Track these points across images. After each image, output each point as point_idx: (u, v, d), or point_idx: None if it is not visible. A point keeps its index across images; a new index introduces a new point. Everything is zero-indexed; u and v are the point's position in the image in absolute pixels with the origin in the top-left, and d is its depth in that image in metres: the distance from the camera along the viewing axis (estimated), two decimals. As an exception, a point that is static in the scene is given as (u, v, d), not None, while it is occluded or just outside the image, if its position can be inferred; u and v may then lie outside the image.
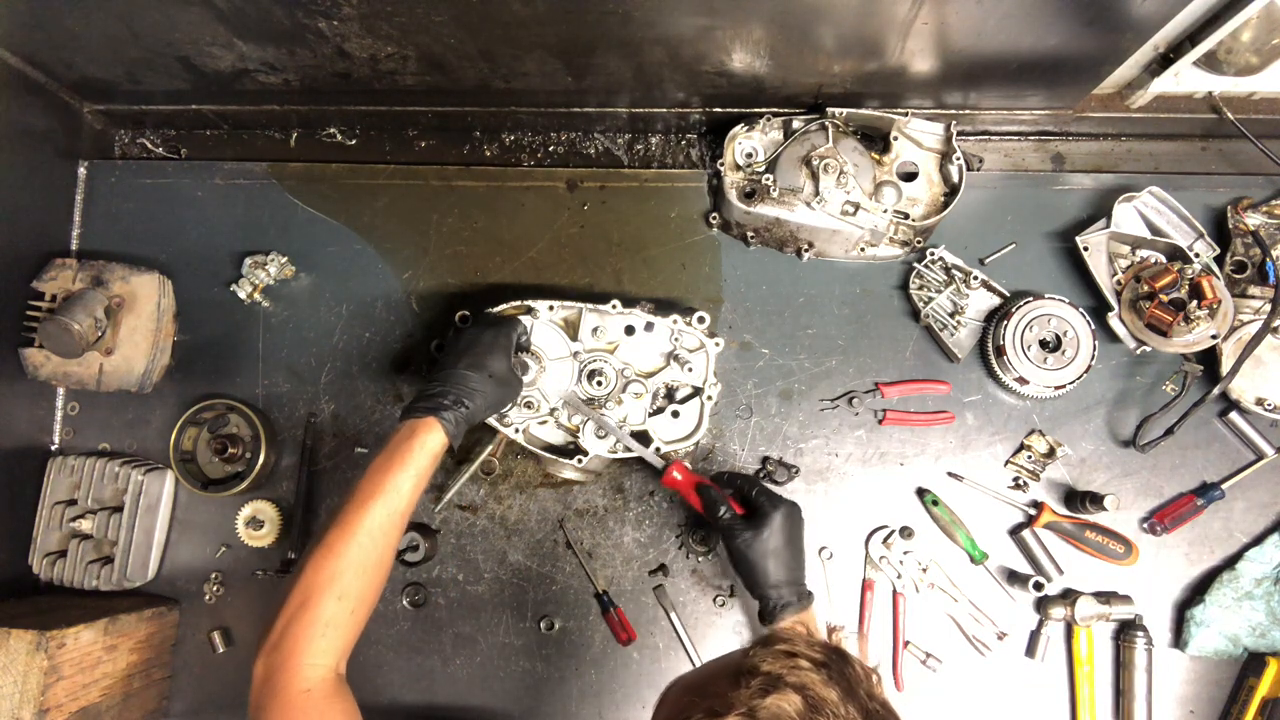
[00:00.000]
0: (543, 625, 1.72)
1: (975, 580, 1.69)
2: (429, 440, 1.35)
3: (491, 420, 1.58)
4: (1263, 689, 1.58)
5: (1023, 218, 1.77)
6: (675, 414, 1.60)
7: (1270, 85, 1.66)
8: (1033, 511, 1.67)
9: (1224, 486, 1.65)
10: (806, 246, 1.74)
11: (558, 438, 1.63)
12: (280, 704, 1.15)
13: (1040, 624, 1.65)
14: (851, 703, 0.91)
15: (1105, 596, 1.63)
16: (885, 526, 1.70)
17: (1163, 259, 1.67)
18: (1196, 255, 1.64)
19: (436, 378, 1.44)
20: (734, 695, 0.91)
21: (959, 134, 1.67)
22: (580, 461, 1.58)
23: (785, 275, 1.78)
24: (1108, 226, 1.68)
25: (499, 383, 1.47)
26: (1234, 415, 1.67)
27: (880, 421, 1.73)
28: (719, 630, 1.71)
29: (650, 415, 1.60)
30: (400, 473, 1.30)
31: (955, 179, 1.67)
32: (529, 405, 1.58)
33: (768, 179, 1.67)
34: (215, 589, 1.75)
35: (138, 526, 1.71)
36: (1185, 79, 1.65)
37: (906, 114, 1.69)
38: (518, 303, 1.61)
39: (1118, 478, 1.70)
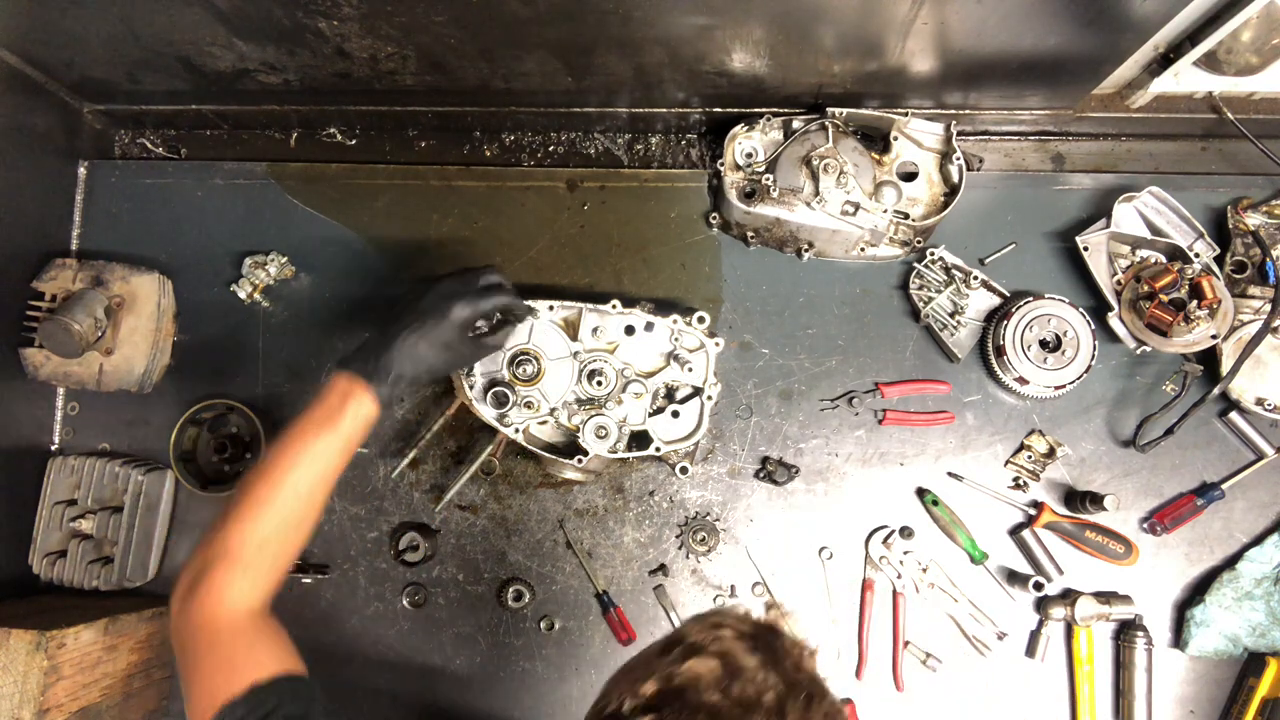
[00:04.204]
0: (543, 625, 1.72)
1: (975, 580, 1.69)
2: (363, 407, 1.30)
3: (491, 420, 1.58)
4: (1263, 689, 1.57)
5: (1023, 218, 1.77)
6: (675, 414, 1.60)
7: (1270, 85, 1.66)
8: (1033, 511, 1.67)
9: (1224, 486, 1.65)
10: (806, 246, 1.74)
11: (558, 438, 1.63)
12: (205, 631, 1.12)
13: (1040, 624, 1.65)
14: (773, 671, 0.92)
15: (1105, 596, 1.63)
16: (885, 526, 1.70)
17: (1163, 259, 1.67)
18: (1196, 255, 1.64)
19: (383, 335, 1.36)
20: (656, 663, 0.93)
21: (959, 134, 1.67)
22: (580, 461, 1.58)
23: (785, 275, 1.78)
24: (1108, 226, 1.67)
25: (449, 350, 1.39)
26: (1234, 415, 1.67)
27: (880, 421, 1.73)
28: (719, 630, 1.71)
29: (650, 415, 1.60)
30: (330, 436, 1.26)
31: (955, 179, 1.67)
32: (529, 405, 1.58)
33: (768, 179, 1.67)
34: (215, 589, 1.75)
35: (138, 526, 1.71)
36: (1185, 79, 1.65)
37: (906, 114, 1.69)
38: (518, 303, 1.61)
39: (1118, 478, 1.70)
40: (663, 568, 1.73)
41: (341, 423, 1.28)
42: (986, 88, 1.68)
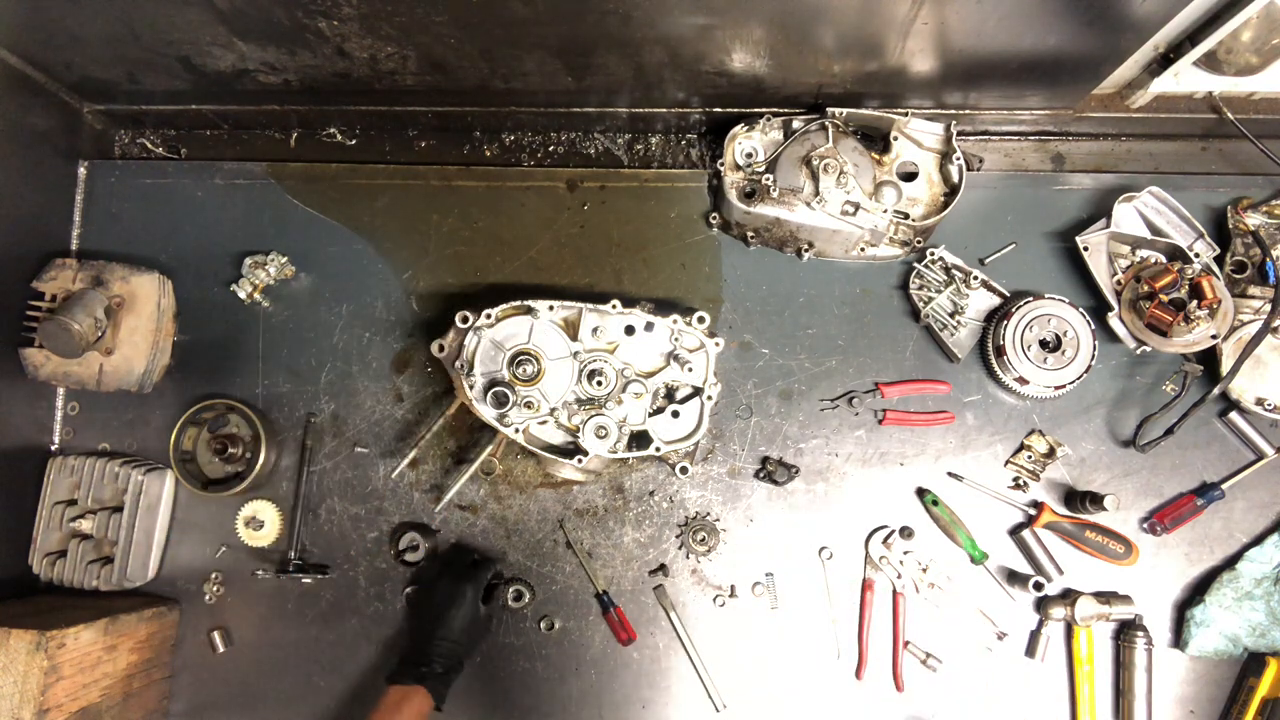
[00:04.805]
0: (543, 625, 1.72)
1: (975, 580, 1.69)
2: (413, 703, 1.44)
3: (491, 420, 1.58)
4: (1263, 689, 1.58)
5: (1023, 218, 1.77)
6: (675, 414, 1.60)
7: (1270, 85, 1.66)
8: (1033, 511, 1.67)
9: (1224, 486, 1.65)
10: (806, 246, 1.74)
11: (558, 438, 1.63)
12: None
13: (1040, 624, 1.65)
14: None
15: (1105, 596, 1.63)
16: (885, 526, 1.70)
17: (1163, 259, 1.67)
18: (1196, 255, 1.64)
19: (419, 645, 1.56)
20: None
21: (959, 134, 1.67)
22: (580, 461, 1.58)
23: (785, 275, 1.78)
24: (1108, 226, 1.68)
25: (472, 634, 1.61)
26: (1234, 415, 1.67)
27: (880, 421, 1.73)
28: (719, 630, 1.71)
29: (650, 415, 1.60)
30: None
31: (955, 179, 1.67)
32: (529, 405, 1.58)
33: (768, 179, 1.67)
34: (215, 589, 1.75)
35: (138, 526, 1.71)
36: (1185, 79, 1.65)
37: (906, 114, 1.69)
38: (518, 303, 1.61)
39: (1118, 478, 1.70)
40: (663, 568, 1.73)
41: None
42: (986, 88, 1.68)
